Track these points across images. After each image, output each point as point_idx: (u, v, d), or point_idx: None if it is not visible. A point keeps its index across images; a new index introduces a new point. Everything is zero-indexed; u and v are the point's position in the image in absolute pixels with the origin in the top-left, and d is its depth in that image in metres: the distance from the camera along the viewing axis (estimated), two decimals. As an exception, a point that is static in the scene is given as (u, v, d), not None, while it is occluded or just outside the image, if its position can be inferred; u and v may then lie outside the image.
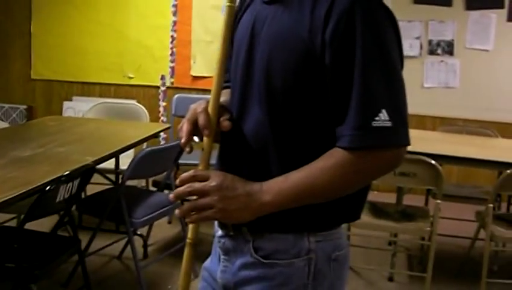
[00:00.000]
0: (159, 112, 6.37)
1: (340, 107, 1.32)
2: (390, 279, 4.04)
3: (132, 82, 6.52)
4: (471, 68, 5.83)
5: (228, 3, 1.46)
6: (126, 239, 4.17)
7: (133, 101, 6.12)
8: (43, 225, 2.93)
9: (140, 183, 4.84)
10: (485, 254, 3.63)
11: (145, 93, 6.45)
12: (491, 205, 3.65)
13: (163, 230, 4.70)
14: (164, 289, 3.80)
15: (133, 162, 3.38)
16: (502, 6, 5.77)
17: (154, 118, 6.17)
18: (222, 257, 1.57)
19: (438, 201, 3.63)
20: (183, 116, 4.85)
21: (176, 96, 5.51)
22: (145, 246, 4.27)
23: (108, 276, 3.94)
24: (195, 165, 4.34)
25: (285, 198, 1.35)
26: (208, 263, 1.69)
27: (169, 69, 6.41)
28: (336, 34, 1.30)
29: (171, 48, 6.37)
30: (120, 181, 3.67)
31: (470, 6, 5.76)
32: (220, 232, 1.57)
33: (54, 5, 6.56)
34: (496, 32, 5.78)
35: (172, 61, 6.39)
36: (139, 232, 4.24)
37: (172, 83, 6.42)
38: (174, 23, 6.33)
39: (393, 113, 1.29)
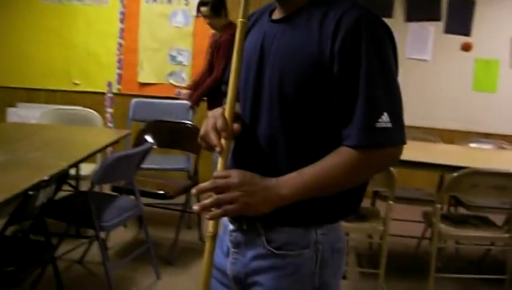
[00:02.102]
0: (106, 118, 6.40)
1: (346, 110, 1.50)
2: (344, 277, 4.24)
3: (78, 88, 6.55)
4: (410, 77, 6.14)
5: (241, 19, 1.59)
6: (86, 243, 4.26)
7: (80, 108, 6.14)
8: None
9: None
10: (433, 251, 3.87)
11: (92, 100, 6.46)
12: (439, 205, 3.91)
13: (119, 234, 4.78)
14: (129, 291, 3.91)
15: (102, 168, 3.47)
16: (439, 19, 6.15)
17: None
18: (232, 249, 1.72)
19: (391, 202, 3.88)
20: (142, 121, 4.94)
21: (134, 100, 5.61)
22: (104, 249, 4.34)
23: (73, 281, 4.00)
24: (155, 169, 4.46)
25: (300, 191, 1.51)
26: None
27: (116, 76, 6.47)
28: (343, 47, 1.48)
29: (118, 55, 6.44)
30: (83, 189, 3.74)
31: (410, 18, 6.15)
32: (231, 227, 1.72)
33: (-3, 11, 6.54)
34: (434, 43, 6.18)
35: (119, 68, 6.46)
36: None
37: (119, 90, 6.49)
38: (122, 30, 6.40)
39: (393, 116, 1.48)
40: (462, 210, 4.73)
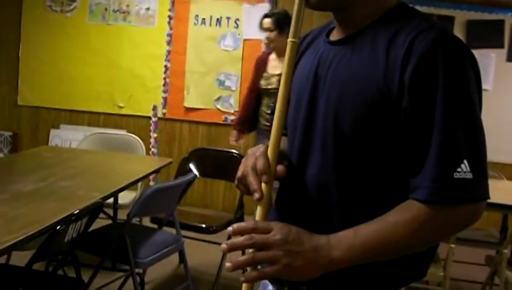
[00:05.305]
0: (150, 143, 6.19)
1: (417, 155, 1.21)
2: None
3: (122, 112, 6.36)
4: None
5: (292, 39, 1.33)
6: (123, 277, 4.00)
7: (123, 131, 5.95)
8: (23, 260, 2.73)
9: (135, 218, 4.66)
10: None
11: (136, 124, 6.29)
12: (506, 251, 3.55)
13: (157, 268, 4.50)
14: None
15: (141, 199, 3.20)
16: (501, 46, 5.77)
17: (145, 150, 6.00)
18: None
19: (452, 245, 3.53)
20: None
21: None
22: (142, 284, 4.07)
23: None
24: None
25: (356, 254, 1.23)
26: None
27: (162, 100, 6.26)
28: (416, 76, 1.20)
29: (164, 78, 6.23)
30: (122, 218, 3.49)
31: (470, 45, 5.74)
32: (270, 288, 1.46)
33: (43, 30, 6.40)
34: (496, 71, 5.77)
35: (165, 92, 6.25)
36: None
37: (164, 114, 6.27)
38: (168, 52, 6.20)
39: (475, 165, 1.19)
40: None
